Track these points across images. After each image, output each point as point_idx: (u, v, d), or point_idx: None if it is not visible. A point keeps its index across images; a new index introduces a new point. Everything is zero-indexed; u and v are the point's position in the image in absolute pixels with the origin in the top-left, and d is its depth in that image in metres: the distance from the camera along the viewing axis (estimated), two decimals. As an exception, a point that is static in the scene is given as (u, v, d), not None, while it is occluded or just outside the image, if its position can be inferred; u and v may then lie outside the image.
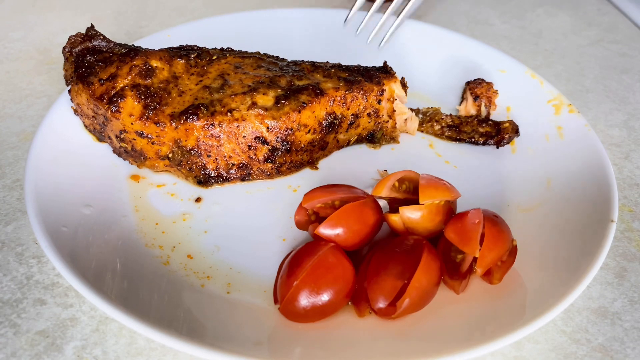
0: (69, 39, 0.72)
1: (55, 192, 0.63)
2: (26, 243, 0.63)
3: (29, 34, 1.00)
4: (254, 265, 0.61)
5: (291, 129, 0.68)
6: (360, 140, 0.77)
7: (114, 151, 0.72)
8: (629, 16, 1.12)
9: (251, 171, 0.70)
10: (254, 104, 0.67)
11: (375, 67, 0.76)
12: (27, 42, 0.97)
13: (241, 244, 0.63)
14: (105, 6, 1.08)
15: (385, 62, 0.76)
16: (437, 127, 0.78)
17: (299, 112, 0.67)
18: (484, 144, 0.76)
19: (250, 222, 0.66)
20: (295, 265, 0.55)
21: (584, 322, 0.58)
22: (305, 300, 0.53)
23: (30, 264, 0.61)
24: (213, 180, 0.69)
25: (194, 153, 0.67)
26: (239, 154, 0.68)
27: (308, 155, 0.72)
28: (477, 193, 0.70)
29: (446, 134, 0.78)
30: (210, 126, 0.66)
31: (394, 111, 0.75)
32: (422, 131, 0.79)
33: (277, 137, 0.68)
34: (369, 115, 0.74)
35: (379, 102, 0.73)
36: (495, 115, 0.80)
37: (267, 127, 0.67)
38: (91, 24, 0.75)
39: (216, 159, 0.68)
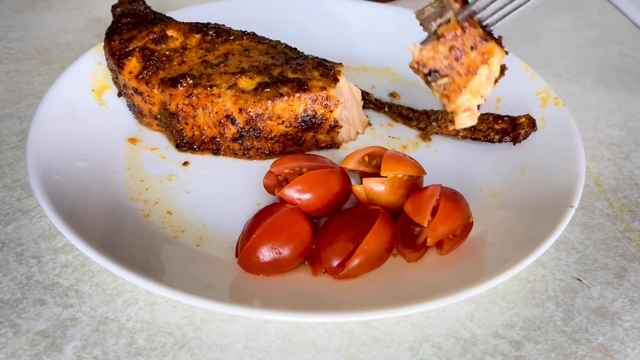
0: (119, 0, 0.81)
1: (55, 145, 0.68)
2: (26, 243, 0.63)
3: (29, 34, 1.00)
4: (227, 225, 0.65)
5: (262, 117, 0.69)
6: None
7: (128, 105, 0.78)
8: (629, 16, 1.12)
9: (221, 147, 0.72)
10: (234, 85, 0.69)
11: None
12: (27, 42, 0.97)
13: (218, 205, 0.67)
14: (105, 6, 1.08)
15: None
16: (451, 127, 0.75)
17: (274, 101, 0.68)
18: (499, 141, 0.75)
19: (230, 187, 0.70)
20: (255, 222, 0.58)
21: (584, 322, 0.57)
22: (261, 253, 0.56)
23: (30, 264, 0.61)
24: (186, 148, 0.73)
25: (175, 118, 0.71)
26: (211, 127, 0.71)
27: (280, 146, 0.72)
28: (452, 176, 0.72)
29: (461, 134, 0.76)
30: (189, 96, 0.69)
31: None
32: (437, 133, 0.78)
33: (247, 121, 0.69)
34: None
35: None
36: (485, 105, 0.81)
37: (239, 109, 0.68)
38: None
39: (192, 127, 0.71)
